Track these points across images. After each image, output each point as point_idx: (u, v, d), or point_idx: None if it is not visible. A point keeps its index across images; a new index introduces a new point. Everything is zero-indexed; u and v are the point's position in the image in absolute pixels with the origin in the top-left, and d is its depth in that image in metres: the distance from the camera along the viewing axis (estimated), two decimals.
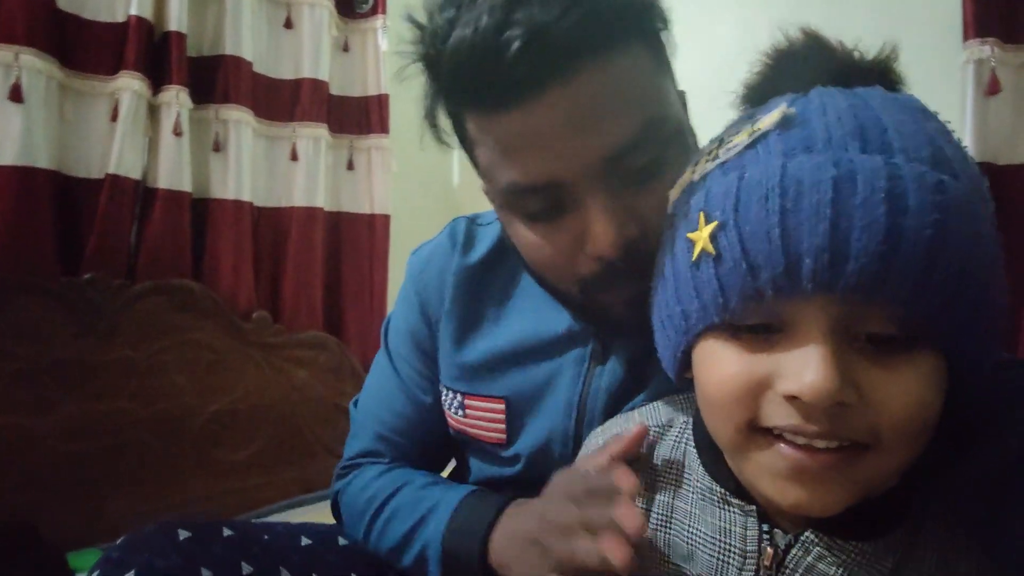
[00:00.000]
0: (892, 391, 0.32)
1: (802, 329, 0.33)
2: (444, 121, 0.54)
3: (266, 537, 0.66)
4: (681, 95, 0.56)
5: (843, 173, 0.31)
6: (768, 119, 0.35)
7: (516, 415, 0.62)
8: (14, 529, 1.04)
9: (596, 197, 0.47)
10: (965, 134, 1.07)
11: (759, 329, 0.34)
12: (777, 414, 0.33)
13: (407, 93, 0.56)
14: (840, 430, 0.32)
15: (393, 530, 0.63)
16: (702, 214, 0.35)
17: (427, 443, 0.72)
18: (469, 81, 0.46)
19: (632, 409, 0.54)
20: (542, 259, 0.52)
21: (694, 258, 0.35)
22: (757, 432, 0.35)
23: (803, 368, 0.32)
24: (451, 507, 0.59)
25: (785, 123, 0.35)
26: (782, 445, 0.34)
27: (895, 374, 0.32)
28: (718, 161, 0.37)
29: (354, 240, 1.69)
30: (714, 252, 0.34)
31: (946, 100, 1.12)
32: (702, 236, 0.35)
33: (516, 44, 0.42)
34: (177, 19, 1.31)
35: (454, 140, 0.55)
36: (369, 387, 0.76)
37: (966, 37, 1.07)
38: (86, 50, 1.23)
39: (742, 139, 0.36)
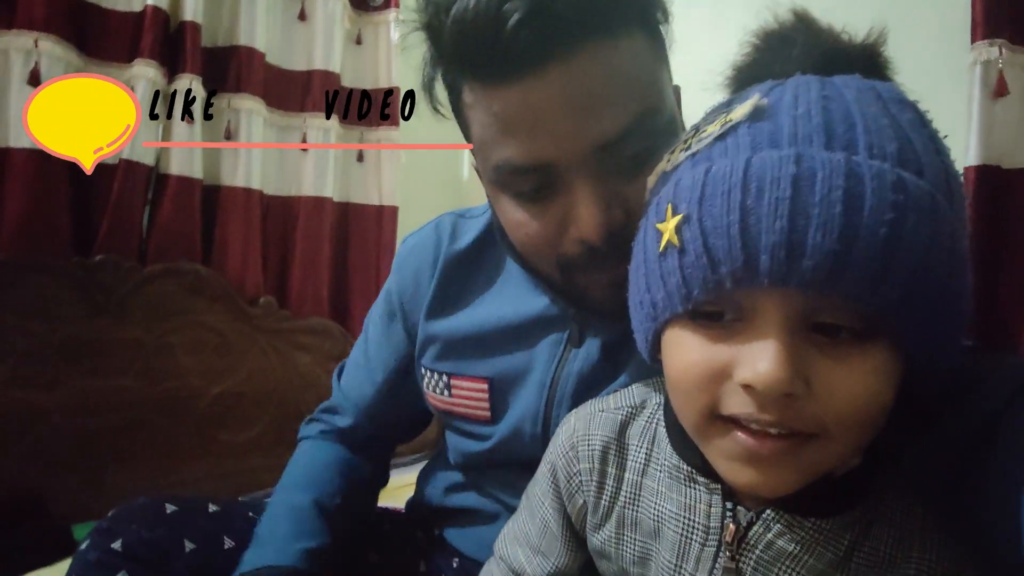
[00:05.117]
0: (840, 384, 0.33)
1: (760, 321, 0.33)
2: (441, 92, 0.54)
3: (251, 513, 0.68)
4: (676, 90, 0.57)
5: (803, 171, 0.31)
6: (740, 110, 0.36)
7: (498, 395, 0.64)
8: (22, 501, 1.08)
9: (585, 182, 0.48)
10: (971, 136, 1.05)
11: (720, 318, 0.35)
12: (735, 402, 0.35)
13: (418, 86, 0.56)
14: (789, 420, 0.33)
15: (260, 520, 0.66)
16: (670, 206, 0.36)
17: (388, 422, 0.77)
18: (469, 51, 0.47)
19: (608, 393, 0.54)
20: (526, 238, 0.53)
21: (661, 248, 0.36)
22: (717, 418, 0.36)
23: (758, 358, 0.33)
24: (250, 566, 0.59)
25: (756, 115, 0.35)
26: (738, 432, 0.35)
27: (845, 367, 0.33)
28: (690, 152, 0.37)
29: (362, 230, 1.71)
30: (678, 244, 0.35)
31: (952, 102, 1.11)
32: (668, 228, 0.35)
33: (516, 16, 0.43)
34: (192, 10, 1.34)
35: (449, 112, 0.55)
36: (348, 365, 0.81)
37: (974, 38, 1.05)
38: (103, 38, 1.26)
39: (714, 129, 0.37)
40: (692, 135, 0.39)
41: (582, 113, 0.46)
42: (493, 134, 0.49)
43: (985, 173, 1.04)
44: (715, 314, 0.36)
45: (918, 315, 0.32)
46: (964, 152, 1.05)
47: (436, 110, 0.55)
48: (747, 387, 0.33)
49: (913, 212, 0.31)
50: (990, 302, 1.02)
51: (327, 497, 0.68)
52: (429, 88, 0.54)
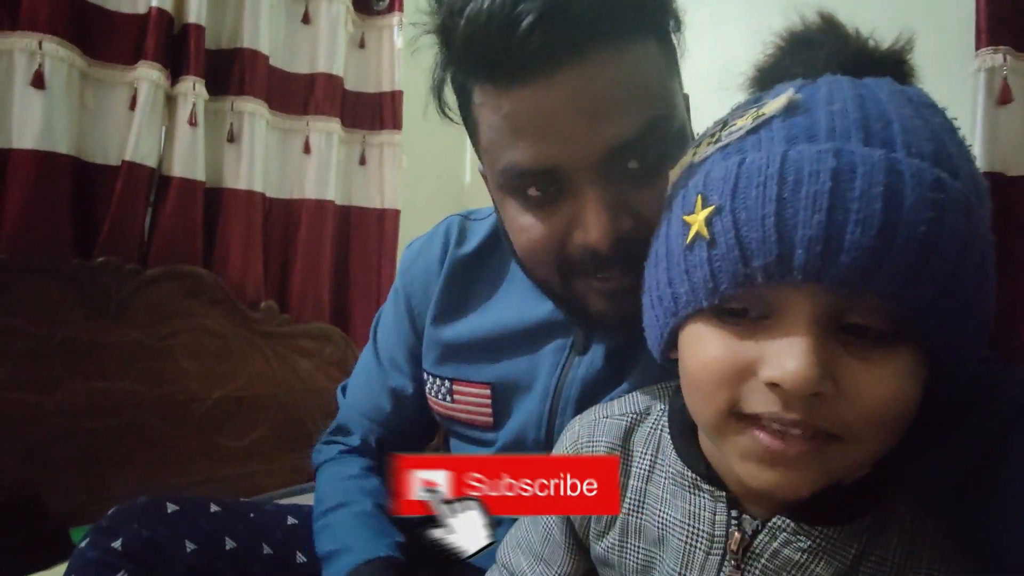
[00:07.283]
0: (867, 385, 0.32)
1: (789, 317, 0.33)
2: (450, 97, 0.54)
3: (252, 515, 0.68)
4: (685, 98, 0.56)
5: (843, 165, 0.31)
6: (773, 104, 0.35)
7: (501, 401, 0.63)
8: (20, 502, 1.07)
9: (594, 187, 0.47)
10: (975, 143, 1.05)
11: (747, 315, 0.34)
12: (758, 400, 0.34)
13: (421, 89, 0.56)
14: (815, 420, 0.32)
15: (320, 542, 0.65)
16: (699, 197, 0.35)
17: (402, 430, 0.76)
18: (481, 52, 0.46)
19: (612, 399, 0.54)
20: (528, 242, 0.52)
21: (688, 240, 0.35)
22: (736, 416, 0.35)
23: (786, 356, 0.32)
24: (348, 567, 0.59)
25: (790, 109, 0.35)
26: (758, 432, 0.34)
27: (874, 368, 0.32)
28: (720, 144, 0.37)
29: (363, 234, 1.70)
30: (708, 236, 0.34)
31: (957, 109, 1.11)
32: (698, 219, 0.34)
33: (530, 17, 0.43)
34: (196, 12, 1.34)
35: (456, 115, 0.55)
36: (354, 376, 0.80)
37: (979, 45, 1.06)
38: (107, 40, 1.25)
39: (745, 123, 0.36)
40: (720, 128, 0.38)
41: (592, 117, 0.45)
42: (502, 137, 0.49)
43: (989, 180, 1.03)
44: (739, 311, 0.35)
45: (948, 317, 0.32)
46: None
47: (444, 114, 0.55)
48: (773, 386, 0.32)
49: (951, 212, 0.31)
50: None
51: (384, 500, 0.67)
52: (438, 91, 0.54)
